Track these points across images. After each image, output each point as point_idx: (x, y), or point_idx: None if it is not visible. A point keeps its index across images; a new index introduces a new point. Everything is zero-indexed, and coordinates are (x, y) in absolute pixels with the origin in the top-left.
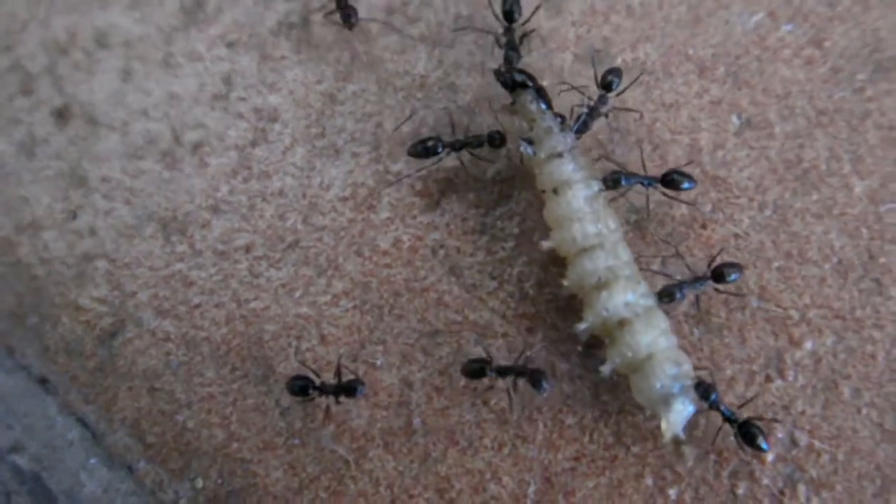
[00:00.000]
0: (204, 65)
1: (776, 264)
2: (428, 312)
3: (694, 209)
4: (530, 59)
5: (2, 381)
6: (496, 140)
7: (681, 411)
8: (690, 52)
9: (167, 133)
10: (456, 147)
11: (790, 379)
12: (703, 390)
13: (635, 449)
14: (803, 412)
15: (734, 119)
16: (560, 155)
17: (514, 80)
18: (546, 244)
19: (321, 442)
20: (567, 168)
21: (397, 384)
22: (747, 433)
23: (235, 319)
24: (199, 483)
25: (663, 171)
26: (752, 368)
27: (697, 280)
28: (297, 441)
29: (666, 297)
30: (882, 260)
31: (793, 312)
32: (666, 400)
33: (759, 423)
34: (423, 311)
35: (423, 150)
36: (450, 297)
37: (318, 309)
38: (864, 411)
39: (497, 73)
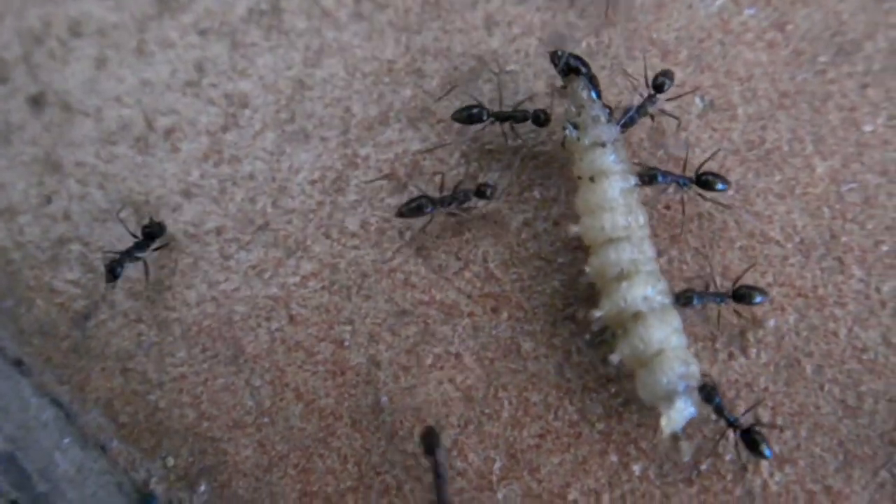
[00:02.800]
0: (176, 52)
1: (739, 244)
2: (395, 293)
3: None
4: (494, 43)
5: None
6: (541, 119)
7: (682, 410)
8: (654, 36)
9: (140, 119)
10: (500, 118)
11: (753, 356)
12: (707, 393)
13: (600, 426)
14: (766, 389)
15: (697, 101)
16: (603, 144)
17: (569, 65)
18: (574, 229)
19: (290, 420)
20: (608, 158)
21: (365, 363)
22: (750, 440)
23: (206, 301)
24: (171, 461)
25: (698, 171)
26: (716, 346)
27: (718, 295)
28: (266, 419)
29: (684, 299)
30: (844, 239)
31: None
32: (670, 397)
33: (761, 430)
34: (390, 291)
35: (467, 116)
36: (416, 277)
37: (287, 290)
38: (827, 388)
39: (553, 56)
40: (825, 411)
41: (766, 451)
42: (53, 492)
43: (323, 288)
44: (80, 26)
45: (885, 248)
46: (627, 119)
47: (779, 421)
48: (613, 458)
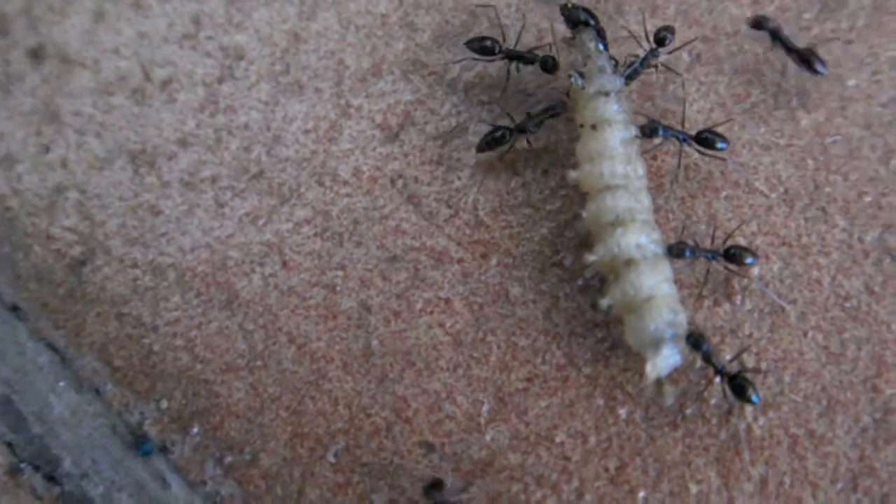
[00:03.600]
0: (173, 5)
1: (724, 193)
2: (386, 239)
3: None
4: None
5: None
6: (548, 64)
7: (667, 357)
8: None
9: (137, 70)
10: (511, 56)
11: (738, 303)
12: (695, 341)
13: (586, 370)
14: (750, 335)
15: (685, 55)
16: (607, 94)
17: (578, 18)
18: (573, 175)
19: (282, 364)
20: (611, 107)
21: (356, 308)
22: (738, 386)
23: (201, 247)
24: (164, 404)
25: (700, 131)
26: (702, 293)
27: (711, 251)
28: (258, 363)
29: (676, 251)
30: (827, 189)
31: (740, 239)
32: (656, 343)
33: (748, 377)
34: (381, 237)
35: (480, 47)
36: (407, 224)
37: (280, 236)
38: (810, 334)
39: (563, 7)
40: (809, 357)
41: (754, 398)
42: (48, 434)
43: (315, 234)
44: None
45: (867, 198)
46: (632, 71)
47: (763, 366)
48: (600, 401)
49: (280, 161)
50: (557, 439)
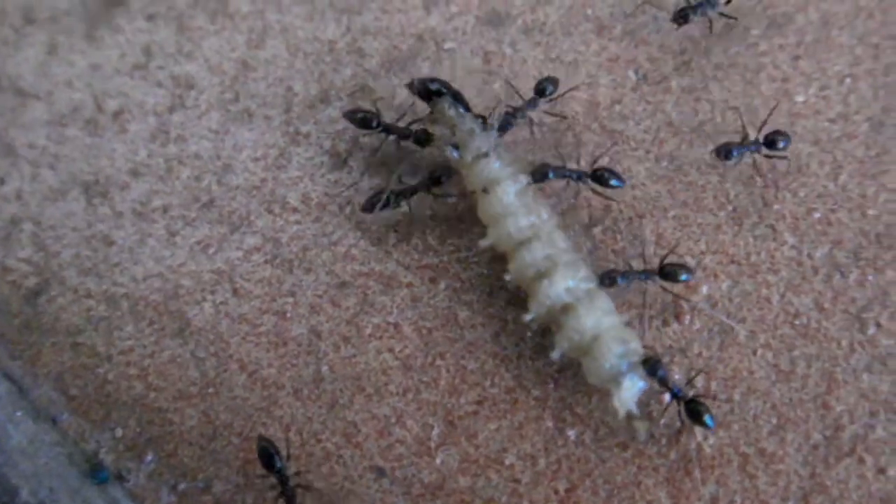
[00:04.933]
0: (125, 37)
1: (672, 213)
2: (335, 265)
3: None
4: (432, 22)
5: None
6: (421, 140)
7: (630, 388)
8: (589, 12)
9: (90, 102)
10: (387, 130)
11: (686, 323)
12: (651, 366)
13: (535, 392)
14: (699, 354)
15: (631, 74)
16: (486, 154)
17: (428, 90)
18: (484, 243)
19: (234, 391)
20: (493, 166)
21: (306, 334)
22: (693, 410)
23: (153, 276)
24: (119, 432)
25: (594, 166)
26: (650, 314)
27: (644, 272)
28: (211, 390)
29: (608, 280)
30: (776, 207)
31: (689, 258)
32: (615, 378)
33: (704, 401)
34: (330, 264)
35: (357, 119)
36: (356, 250)
37: (231, 264)
38: (760, 353)
39: (410, 85)
40: (759, 376)
41: (709, 422)
42: (7, 463)
43: (266, 262)
44: (33, 12)
45: (816, 214)
46: (503, 123)
47: (713, 386)
48: (549, 423)
49: (230, 189)
50: (507, 461)
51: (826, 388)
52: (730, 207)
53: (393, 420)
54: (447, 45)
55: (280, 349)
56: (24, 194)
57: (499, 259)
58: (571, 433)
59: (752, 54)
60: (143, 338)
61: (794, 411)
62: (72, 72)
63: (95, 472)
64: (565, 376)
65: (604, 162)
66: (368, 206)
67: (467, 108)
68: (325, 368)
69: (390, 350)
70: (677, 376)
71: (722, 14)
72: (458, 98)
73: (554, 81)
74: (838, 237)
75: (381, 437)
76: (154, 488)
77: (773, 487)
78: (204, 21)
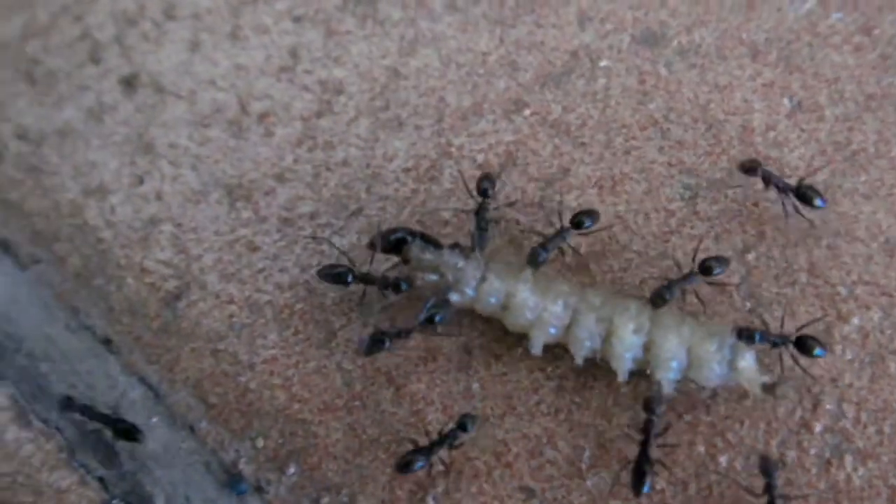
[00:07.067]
0: (270, 38)
1: (825, 242)
2: None
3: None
4: (586, 38)
5: (66, 340)
6: (398, 287)
7: (747, 367)
8: (744, 36)
9: (234, 103)
10: (364, 280)
11: (838, 353)
12: (747, 336)
13: (687, 417)
14: (851, 385)
15: (786, 101)
16: (484, 279)
17: (391, 244)
18: (535, 350)
19: (381, 405)
20: (496, 285)
21: (457, 350)
22: (804, 345)
23: (299, 284)
24: (260, 443)
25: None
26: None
27: (686, 277)
28: (357, 403)
29: (659, 300)
30: None
31: (840, 289)
32: (731, 369)
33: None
34: None
35: (331, 276)
36: None
37: None
38: None
39: (370, 244)
40: None
41: (820, 352)
42: (141, 470)
43: None
44: (175, 9)
45: None
46: (479, 241)
47: (863, 416)
48: (701, 448)
49: (380, 199)
50: (657, 486)
51: None
52: (882, 238)
53: (544, 440)
54: (602, 63)
55: (430, 364)
56: (164, 194)
57: None
58: (723, 459)
59: None
60: (287, 347)
61: None
62: (215, 71)
63: (234, 483)
64: (716, 402)
65: None
66: (368, 351)
67: (438, 245)
68: (475, 385)
69: (542, 370)
70: (829, 406)
71: None
72: (425, 238)
73: (491, 179)
74: None
75: (531, 457)
76: (295, 502)
77: None
78: (353, 26)
